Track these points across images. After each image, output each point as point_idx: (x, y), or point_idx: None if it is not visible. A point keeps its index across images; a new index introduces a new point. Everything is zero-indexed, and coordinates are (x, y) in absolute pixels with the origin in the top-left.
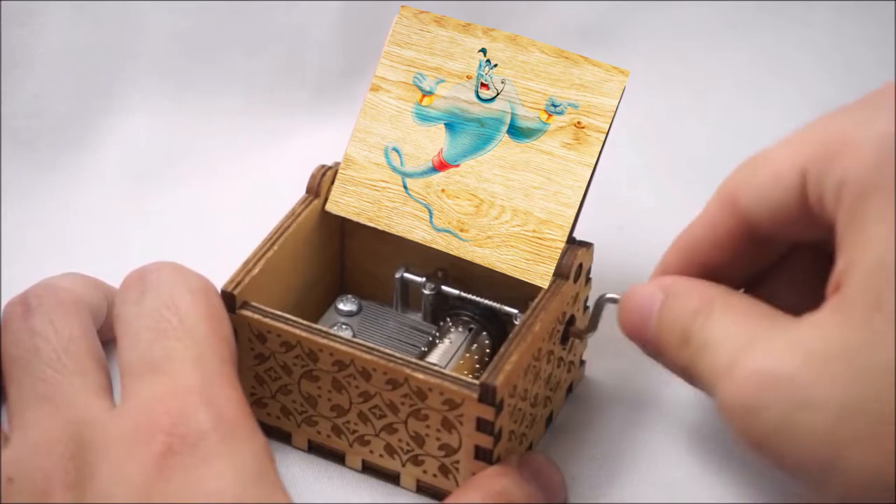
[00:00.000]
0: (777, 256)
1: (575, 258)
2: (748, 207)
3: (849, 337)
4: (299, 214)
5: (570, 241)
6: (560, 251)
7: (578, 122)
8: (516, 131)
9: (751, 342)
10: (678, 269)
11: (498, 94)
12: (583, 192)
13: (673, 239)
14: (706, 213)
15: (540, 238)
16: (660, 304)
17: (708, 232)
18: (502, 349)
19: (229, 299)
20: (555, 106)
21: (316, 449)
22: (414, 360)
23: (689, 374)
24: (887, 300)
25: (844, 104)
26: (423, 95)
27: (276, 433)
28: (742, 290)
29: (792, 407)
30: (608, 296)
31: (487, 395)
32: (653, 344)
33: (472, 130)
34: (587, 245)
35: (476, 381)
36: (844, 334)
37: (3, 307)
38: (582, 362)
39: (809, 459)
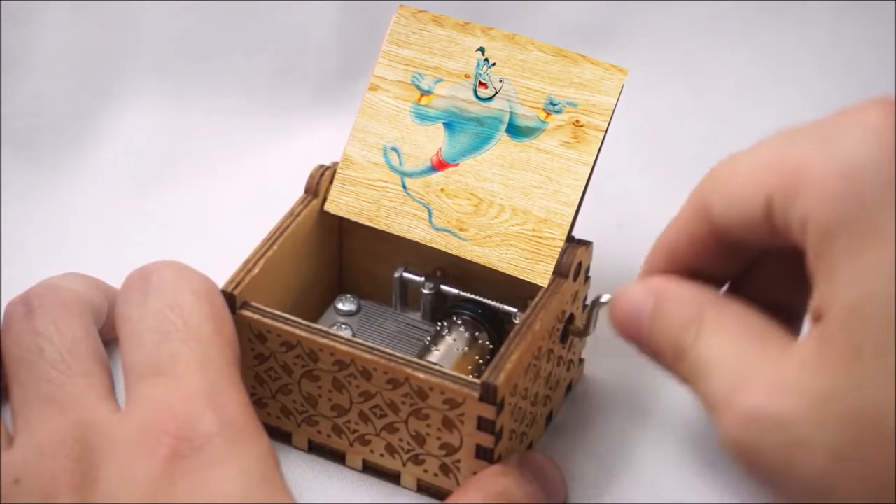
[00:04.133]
0: (757, 256)
1: (574, 257)
2: (720, 217)
3: (833, 382)
4: (298, 214)
5: (570, 239)
6: (559, 250)
7: (577, 121)
8: (515, 130)
9: (745, 375)
10: (662, 270)
11: (496, 93)
12: (582, 191)
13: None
14: (681, 218)
15: (539, 237)
16: (650, 311)
17: (684, 237)
18: (503, 348)
19: (229, 299)
20: (553, 104)
21: (316, 449)
22: (415, 359)
23: (687, 387)
24: (865, 347)
25: (802, 123)
26: (422, 95)
27: (276, 433)
28: (728, 285)
29: (787, 447)
30: (602, 299)
31: (489, 394)
32: (647, 350)
33: (470, 129)
34: (586, 243)
35: (477, 381)
36: (829, 379)
37: (4, 307)
38: (581, 361)
39: (808, 494)
